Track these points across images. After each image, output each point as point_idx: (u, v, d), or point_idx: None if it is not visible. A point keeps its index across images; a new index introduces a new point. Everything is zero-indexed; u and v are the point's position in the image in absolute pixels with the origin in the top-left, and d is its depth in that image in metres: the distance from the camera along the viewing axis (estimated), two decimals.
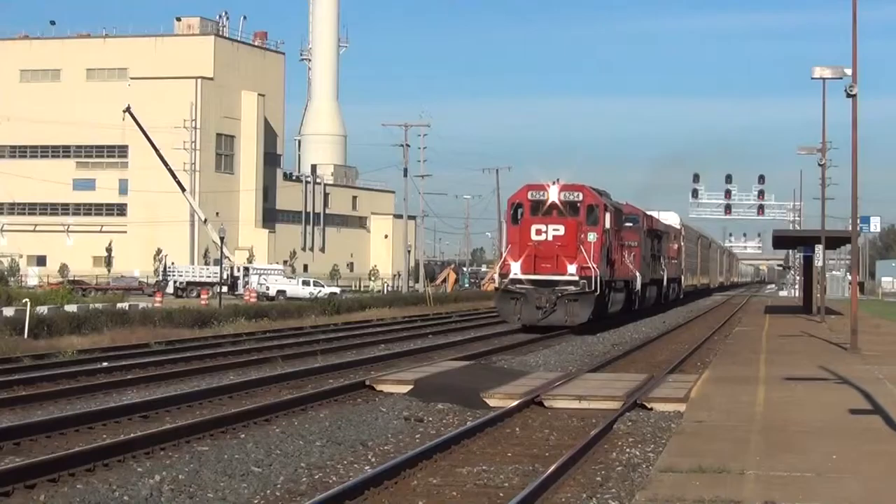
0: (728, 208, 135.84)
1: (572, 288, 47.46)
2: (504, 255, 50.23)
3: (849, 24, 39.62)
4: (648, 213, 71.18)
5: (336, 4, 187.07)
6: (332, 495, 14.34)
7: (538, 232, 48.01)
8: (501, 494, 15.51)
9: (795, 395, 24.84)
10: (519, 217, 49.44)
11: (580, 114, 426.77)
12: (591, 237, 48.54)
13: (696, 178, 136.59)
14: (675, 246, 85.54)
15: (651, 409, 23.54)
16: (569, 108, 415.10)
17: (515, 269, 47.80)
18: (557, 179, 49.77)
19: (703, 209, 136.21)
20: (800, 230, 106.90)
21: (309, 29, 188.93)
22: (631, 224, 62.05)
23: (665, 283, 76.84)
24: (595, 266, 47.80)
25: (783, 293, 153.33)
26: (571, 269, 47.48)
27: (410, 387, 25.86)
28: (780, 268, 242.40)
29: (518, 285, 47.71)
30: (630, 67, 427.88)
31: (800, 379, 27.96)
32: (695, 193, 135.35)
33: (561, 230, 48.02)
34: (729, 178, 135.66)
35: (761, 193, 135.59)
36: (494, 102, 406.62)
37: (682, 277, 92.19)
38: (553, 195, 49.21)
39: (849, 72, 38.63)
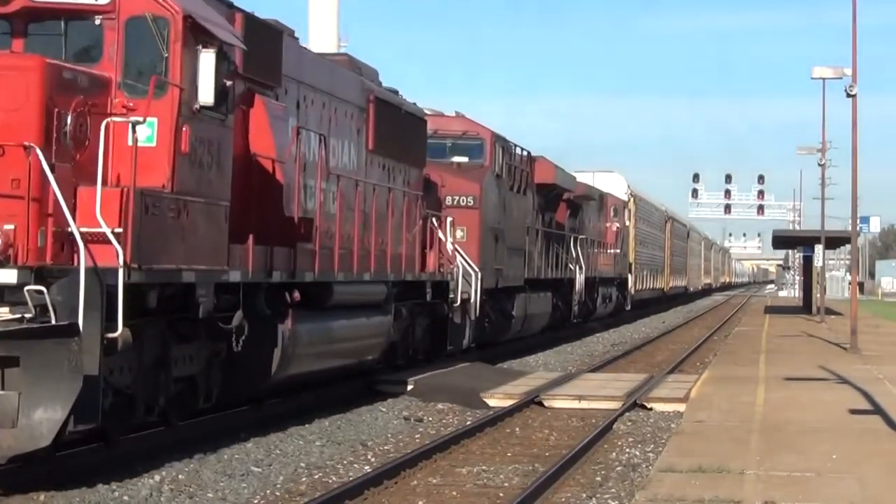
0: (728, 208, 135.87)
1: None
2: None
3: (849, 25, 39.63)
4: (528, 152, 37.53)
5: (336, 4, 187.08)
6: (332, 495, 14.33)
7: None
8: (501, 494, 15.50)
9: (795, 395, 24.84)
10: None
11: (581, 114, 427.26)
12: (147, 133, 14.43)
13: (695, 177, 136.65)
14: (615, 226, 56.39)
15: (651, 409, 23.54)
16: (569, 108, 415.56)
17: None
18: None
19: (702, 209, 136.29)
20: (800, 230, 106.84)
21: (309, 29, 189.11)
22: (465, 160, 32.07)
23: (583, 286, 46.71)
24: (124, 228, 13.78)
25: (783, 293, 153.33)
26: None
27: (410, 387, 25.85)
28: (781, 267, 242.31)
29: None
30: (630, 67, 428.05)
31: (800, 379, 27.97)
32: (694, 193, 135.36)
33: None
34: (729, 178, 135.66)
35: (761, 193, 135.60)
36: (494, 102, 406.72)
37: (632, 278, 62.00)
38: None
39: (849, 72, 38.64)
